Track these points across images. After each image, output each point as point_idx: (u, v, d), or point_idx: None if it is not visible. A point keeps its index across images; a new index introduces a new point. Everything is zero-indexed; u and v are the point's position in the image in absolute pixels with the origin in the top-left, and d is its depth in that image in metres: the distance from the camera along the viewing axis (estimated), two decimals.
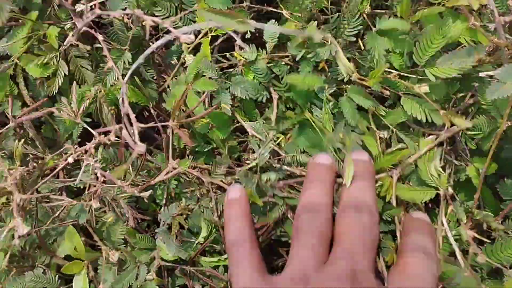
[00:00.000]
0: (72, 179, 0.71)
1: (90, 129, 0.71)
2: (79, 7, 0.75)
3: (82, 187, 0.78)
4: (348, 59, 0.66)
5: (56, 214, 0.71)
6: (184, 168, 0.67)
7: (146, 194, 0.64)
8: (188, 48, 0.83)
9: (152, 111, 0.83)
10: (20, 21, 0.81)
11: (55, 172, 0.70)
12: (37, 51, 0.81)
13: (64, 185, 0.72)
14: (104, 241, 0.75)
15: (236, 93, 0.73)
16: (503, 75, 0.53)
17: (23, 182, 0.68)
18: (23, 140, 0.68)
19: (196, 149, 0.76)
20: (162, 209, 0.72)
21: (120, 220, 0.75)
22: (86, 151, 0.70)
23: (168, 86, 0.81)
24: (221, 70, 0.77)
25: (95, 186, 0.66)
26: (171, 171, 0.62)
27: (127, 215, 0.68)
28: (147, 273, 0.72)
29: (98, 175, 0.64)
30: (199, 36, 0.80)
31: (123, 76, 0.73)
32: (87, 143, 0.70)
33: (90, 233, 0.76)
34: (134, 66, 0.58)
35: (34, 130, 0.75)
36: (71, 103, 0.70)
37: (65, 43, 0.79)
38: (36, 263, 0.75)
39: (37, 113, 0.70)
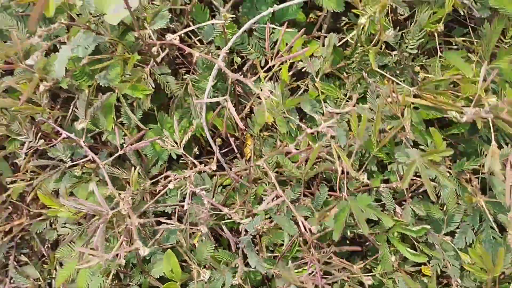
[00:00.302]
0: (174, 203, 0.79)
1: (189, 157, 0.79)
2: (168, 37, 0.82)
3: (167, 211, 0.86)
4: None
5: (157, 237, 0.78)
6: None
7: (246, 221, 0.72)
8: (265, 77, 0.92)
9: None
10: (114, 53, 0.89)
11: (157, 196, 0.78)
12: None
13: (165, 209, 0.79)
14: (193, 261, 0.82)
15: None
16: None
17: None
18: (137, 167, 0.75)
19: None
20: (247, 220, 0.79)
21: (208, 241, 0.83)
22: (184, 178, 0.78)
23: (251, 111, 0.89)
24: None
25: (201, 212, 0.74)
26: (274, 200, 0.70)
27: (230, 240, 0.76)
28: (232, 279, 0.79)
29: (205, 202, 0.72)
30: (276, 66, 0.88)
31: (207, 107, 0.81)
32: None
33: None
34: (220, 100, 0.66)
35: (135, 157, 0.83)
36: (173, 135, 0.78)
37: (149, 65, 0.88)
38: (131, 283, 0.82)
39: (143, 143, 0.77)
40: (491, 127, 0.72)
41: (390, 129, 0.84)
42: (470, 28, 0.93)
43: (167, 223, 0.75)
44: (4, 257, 0.99)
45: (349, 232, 0.83)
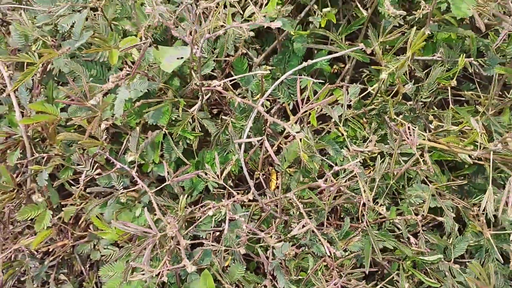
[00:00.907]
0: (211, 229, 0.88)
1: (228, 187, 0.89)
2: (215, 83, 0.95)
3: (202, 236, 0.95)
4: None
5: (196, 257, 0.87)
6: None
7: (279, 245, 0.81)
8: (294, 119, 1.03)
9: None
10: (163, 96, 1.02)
11: (199, 221, 0.87)
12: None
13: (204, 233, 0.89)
14: (225, 280, 0.91)
15: None
16: None
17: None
18: (185, 196, 0.85)
19: None
20: (279, 244, 0.88)
21: (239, 263, 0.91)
22: (222, 206, 0.88)
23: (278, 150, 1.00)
24: None
25: (240, 235, 0.83)
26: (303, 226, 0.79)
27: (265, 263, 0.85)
28: None
29: (244, 227, 0.81)
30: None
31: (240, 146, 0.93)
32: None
33: None
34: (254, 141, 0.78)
35: (179, 187, 0.93)
36: (215, 168, 0.89)
37: (192, 110, 1.00)
38: None
39: (189, 175, 0.88)
40: (490, 168, 0.82)
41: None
42: (477, 84, 1.05)
43: (201, 243, 0.85)
44: (45, 275, 1.07)
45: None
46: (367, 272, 0.89)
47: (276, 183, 1.08)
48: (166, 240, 0.90)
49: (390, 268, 0.93)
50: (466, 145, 0.86)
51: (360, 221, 0.90)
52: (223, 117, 1.02)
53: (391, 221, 0.96)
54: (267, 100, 1.17)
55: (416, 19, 0.98)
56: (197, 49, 0.84)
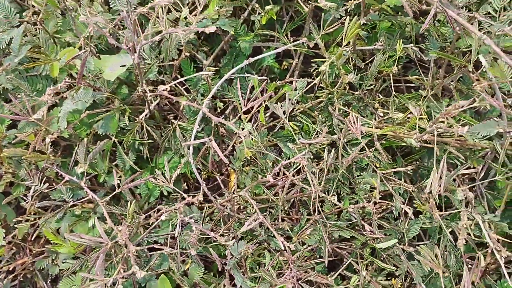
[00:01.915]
0: (166, 233, 0.88)
1: (178, 190, 0.89)
2: (161, 88, 0.95)
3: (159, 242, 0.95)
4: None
5: (151, 263, 0.87)
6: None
7: (230, 243, 0.81)
8: (246, 119, 1.04)
9: None
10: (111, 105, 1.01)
11: (151, 227, 0.87)
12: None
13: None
14: (184, 283, 0.90)
15: None
16: None
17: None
18: (132, 202, 0.85)
19: None
20: (231, 242, 0.88)
21: (198, 266, 0.91)
22: (175, 210, 0.88)
23: (234, 149, 1.01)
24: None
25: (191, 236, 0.83)
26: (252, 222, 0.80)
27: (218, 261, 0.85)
28: None
29: (193, 228, 0.81)
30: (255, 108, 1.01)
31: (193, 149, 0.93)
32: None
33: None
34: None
35: (130, 195, 0.93)
36: (163, 173, 0.89)
37: (141, 117, 1.00)
38: None
39: (138, 181, 0.88)
40: (434, 150, 0.84)
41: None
42: (419, 69, 1.07)
43: (160, 249, 0.84)
44: None
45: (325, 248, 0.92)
46: (326, 263, 0.89)
47: (234, 183, 1.08)
48: (121, 248, 0.90)
49: (350, 257, 0.94)
50: (408, 129, 0.88)
51: (316, 213, 0.91)
52: (173, 121, 1.02)
53: (346, 210, 0.97)
54: (222, 101, 1.17)
55: (357, 11, 1.00)
56: (135, 55, 0.84)
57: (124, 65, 0.96)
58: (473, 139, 0.91)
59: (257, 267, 0.85)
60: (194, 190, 1.10)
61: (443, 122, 0.79)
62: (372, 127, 0.95)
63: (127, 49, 0.88)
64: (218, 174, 1.10)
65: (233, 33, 1.10)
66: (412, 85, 1.17)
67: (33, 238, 0.98)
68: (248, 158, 1.03)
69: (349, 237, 0.93)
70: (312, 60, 1.03)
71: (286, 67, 1.18)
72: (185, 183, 1.05)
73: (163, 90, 0.96)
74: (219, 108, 1.14)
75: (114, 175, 0.89)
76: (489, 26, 0.88)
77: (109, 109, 0.98)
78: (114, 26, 0.92)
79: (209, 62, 1.13)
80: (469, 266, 0.91)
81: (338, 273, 0.92)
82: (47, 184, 0.93)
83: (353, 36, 0.87)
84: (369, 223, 0.92)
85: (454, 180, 0.98)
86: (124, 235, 0.82)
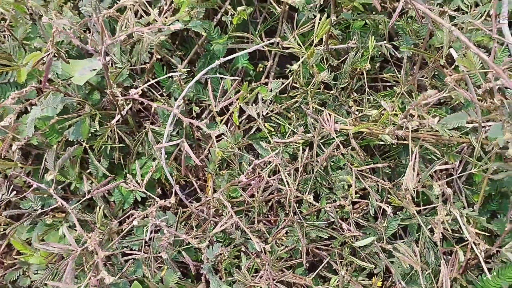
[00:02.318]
0: (139, 238, 0.85)
1: (151, 195, 0.87)
2: (131, 92, 0.93)
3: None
4: None
5: (123, 270, 0.84)
6: None
7: (203, 245, 0.79)
8: (221, 121, 1.02)
9: None
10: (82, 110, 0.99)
11: (123, 233, 0.84)
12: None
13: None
14: None
15: None
16: (493, 133, 0.73)
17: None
18: (101, 207, 0.83)
19: None
20: (204, 244, 0.85)
21: (173, 271, 0.88)
22: (147, 215, 0.86)
23: (209, 152, 0.99)
24: None
25: (162, 240, 0.81)
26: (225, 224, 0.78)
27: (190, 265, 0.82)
28: None
29: (165, 231, 0.79)
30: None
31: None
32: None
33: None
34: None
35: (102, 201, 0.90)
36: (135, 176, 0.87)
37: (113, 122, 0.98)
38: None
39: (108, 186, 0.86)
40: (410, 145, 0.82)
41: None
42: (394, 67, 1.07)
43: (131, 254, 0.82)
44: None
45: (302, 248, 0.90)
46: (304, 263, 0.87)
47: (210, 187, 1.06)
48: (93, 255, 0.87)
49: (329, 258, 0.92)
50: (382, 125, 0.87)
51: (292, 213, 0.89)
52: (146, 125, 1.00)
53: (325, 211, 0.95)
54: (199, 106, 1.16)
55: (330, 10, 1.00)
56: (101, 57, 0.82)
57: (94, 69, 0.94)
58: (448, 134, 0.90)
59: (236, 270, 0.83)
60: (171, 196, 1.08)
61: (413, 115, 0.78)
62: (347, 125, 0.94)
63: (93, 50, 0.87)
64: (195, 179, 1.08)
65: (207, 36, 1.10)
66: (389, 84, 1.16)
67: (3, 250, 0.95)
68: (224, 161, 1.01)
69: (327, 237, 0.91)
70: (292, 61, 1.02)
71: (262, 69, 1.17)
72: (160, 188, 1.03)
73: (134, 94, 0.95)
74: (195, 112, 1.13)
75: (85, 181, 0.87)
76: (458, 19, 0.87)
77: (80, 115, 0.96)
78: (84, 31, 0.91)
79: (183, 65, 1.12)
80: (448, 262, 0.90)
81: (316, 273, 0.90)
82: (14, 192, 0.91)
83: (324, 33, 0.86)
84: (348, 222, 0.90)
85: (432, 177, 0.97)
86: (93, 241, 0.80)
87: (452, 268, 0.79)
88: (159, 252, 0.82)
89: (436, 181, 0.94)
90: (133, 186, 0.86)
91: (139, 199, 0.98)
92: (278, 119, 1.01)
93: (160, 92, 1.11)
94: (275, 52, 1.12)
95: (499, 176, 0.83)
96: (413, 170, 0.79)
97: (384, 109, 0.90)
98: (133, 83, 1.08)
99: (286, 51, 1.06)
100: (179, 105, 0.91)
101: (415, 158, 0.75)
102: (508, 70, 0.79)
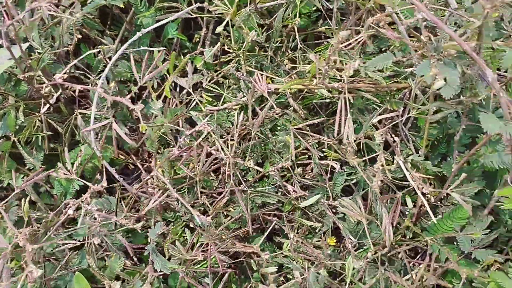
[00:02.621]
0: (74, 228, 0.82)
1: (85, 181, 0.83)
2: (58, 77, 0.89)
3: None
4: None
5: (64, 261, 0.81)
6: None
7: (138, 225, 0.76)
8: (157, 97, 0.98)
9: None
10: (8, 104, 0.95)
11: (58, 224, 0.81)
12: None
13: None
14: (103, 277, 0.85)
15: None
16: (420, 70, 0.70)
17: (32, 239, 0.78)
18: (27, 198, 0.79)
19: None
20: (139, 225, 0.82)
21: (118, 257, 0.85)
22: (83, 202, 0.82)
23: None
24: None
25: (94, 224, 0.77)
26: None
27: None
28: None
29: (96, 215, 0.75)
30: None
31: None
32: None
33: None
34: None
35: (35, 195, 0.87)
36: (65, 164, 0.82)
37: (42, 111, 0.94)
38: None
39: (39, 177, 0.82)
40: (347, 97, 0.79)
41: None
42: (328, 18, 1.03)
43: (66, 243, 0.79)
44: None
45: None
46: (250, 231, 0.85)
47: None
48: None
49: (279, 223, 0.89)
50: (312, 79, 0.83)
51: (232, 181, 0.86)
52: (76, 110, 0.96)
53: (272, 176, 0.92)
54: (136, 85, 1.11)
55: None
56: (3, 42, 0.77)
57: (11, 58, 0.89)
58: (385, 81, 0.87)
59: (171, 246, 0.80)
60: (115, 183, 1.04)
61: (335, 62, 0.74)
62: (282, 84, 0.91)
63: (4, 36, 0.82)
64: (140, 161, 1.04)
65: (135, 11, 1.05)
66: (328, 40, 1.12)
67: None
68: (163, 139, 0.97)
69: (275, 201, 0.88)
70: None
71: (198, 39, 1.13)
72: (99, 175, 0.99)
73: (59, 78, 0.90)
74: (133, 92, 1.08)
75: (13, 176, 0.83)
76: None
77: (3, 107, 0.92)
78: None
79: (116, 45, 1.07)
80: (402, 212, 0.88)
81: (268, 239, 0.88)
82: None
83: None
84: (292, 183, 0.87)
85: (377, 128, 0.94)
86: (23, 235, 0.76)
87: (392, 214, 0.77)
88: (98, 239, 0.79)
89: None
90: (63, 174, 0.82)
91: (78, 188, 0.94)
92: (214, 88, 0.97)
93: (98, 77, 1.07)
94: (208, 19, 1.07)
95: (437, 116, 0.80)
96: (343, 120, 0.76)
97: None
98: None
99: (217, 15, 1.02)
100: (102, 83, 0.87)
101: (345, 108, 0.72)
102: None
